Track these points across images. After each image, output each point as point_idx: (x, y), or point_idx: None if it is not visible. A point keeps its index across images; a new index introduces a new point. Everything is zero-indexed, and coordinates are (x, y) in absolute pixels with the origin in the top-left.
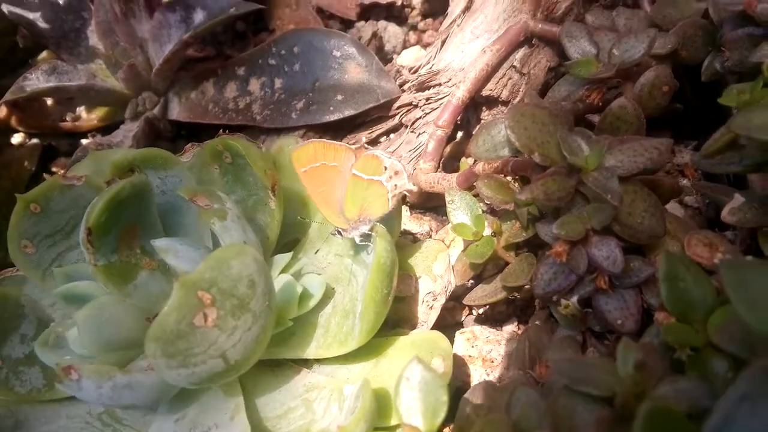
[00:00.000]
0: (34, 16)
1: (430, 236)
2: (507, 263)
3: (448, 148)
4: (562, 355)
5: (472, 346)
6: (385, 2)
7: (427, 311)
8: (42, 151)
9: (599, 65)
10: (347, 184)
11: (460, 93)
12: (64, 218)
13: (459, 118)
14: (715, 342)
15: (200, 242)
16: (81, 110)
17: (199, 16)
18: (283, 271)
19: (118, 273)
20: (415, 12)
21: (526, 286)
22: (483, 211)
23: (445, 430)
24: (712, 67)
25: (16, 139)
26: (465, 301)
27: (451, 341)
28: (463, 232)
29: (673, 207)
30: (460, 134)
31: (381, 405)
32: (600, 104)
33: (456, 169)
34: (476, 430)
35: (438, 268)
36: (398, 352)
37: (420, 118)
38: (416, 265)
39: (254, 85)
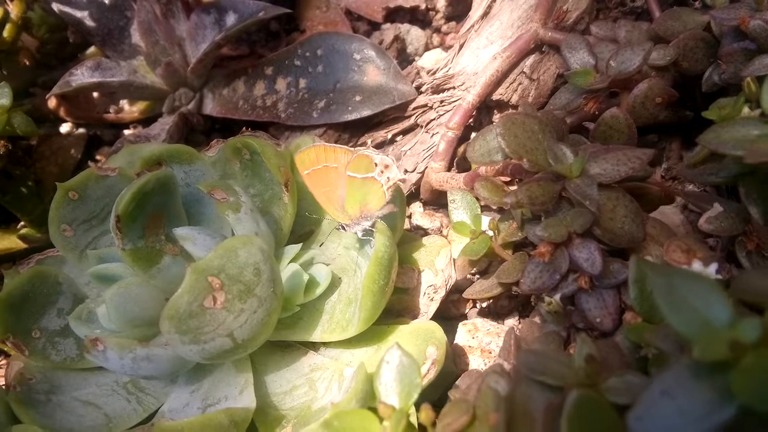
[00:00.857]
0: (81, 14)
1: (441, 232)
2: (504, 260)
3: (461, 149)
4: (539, 348)
5: (473, 338)
6: (409, 6)
7: (428, 303)
8: (87, 140)
9: (596, 76)
10: (346, 184)
11: (470, 97)
12: (99, 205)
13: (471, 120)
14: (650, 340)
15: (220, 231)
16: (124, 103)
17: (231, 19)
18: (294, 260)
19: (143, 257)
20: (439, 15)
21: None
22: (489, 210)
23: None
24: (712, 78)
25: (64, 128)
26: (465, 295)
27: (454, 332)
28: (462, 231)
29: (672, 211)
30: (473, 135)
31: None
32: (596, 113)
33: (469, 169)
34: (444, 411)
35: (440, 263)
36: (398, 339)
37: (434, 119)
38: (420, 259)
39: (281, 84)
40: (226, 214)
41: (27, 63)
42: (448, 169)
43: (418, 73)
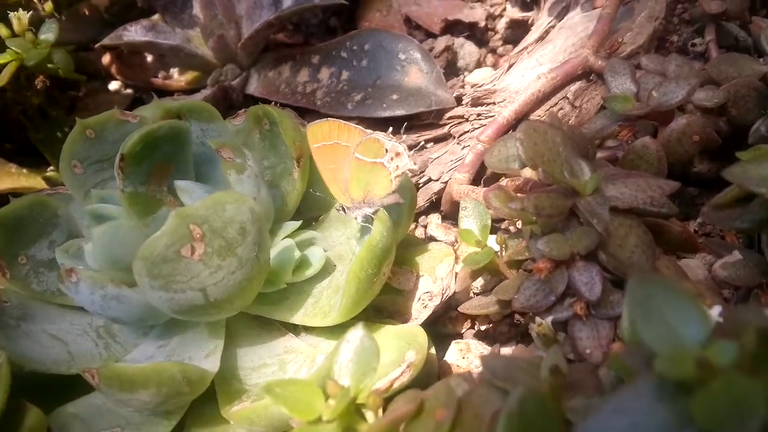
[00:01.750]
0: None
1: (453, 245)
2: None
3: None
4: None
5: (463, 357)
6: (468, 21)
7: (421, 309)
8: (132, 101)
9: (636, 103)
10: (351, 166)
11: (506, 112)
12: (114, 149)
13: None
14: (620, 357)
15: None
16: (174, 71)
17: (287, 2)
18: (291, 237)
19: (141, 203)
20: (497, 36)
21: None
22: (499, 229)
23: None
24: (759, 131)
25: (113, 86)
26: (461, 309)
27: (445, 349)
28: (468, 239)
29: (696, 265)
30: None
31: None
32: (629, 142)
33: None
34: (394, 400)
35: (441, 271)
36: (381, 338)
37: (468, 131)
38: (421, 264)
39: (324, 73)
40: (228, 173)
41: (86, 13)
42: (472, 182)
43: (462, 85)
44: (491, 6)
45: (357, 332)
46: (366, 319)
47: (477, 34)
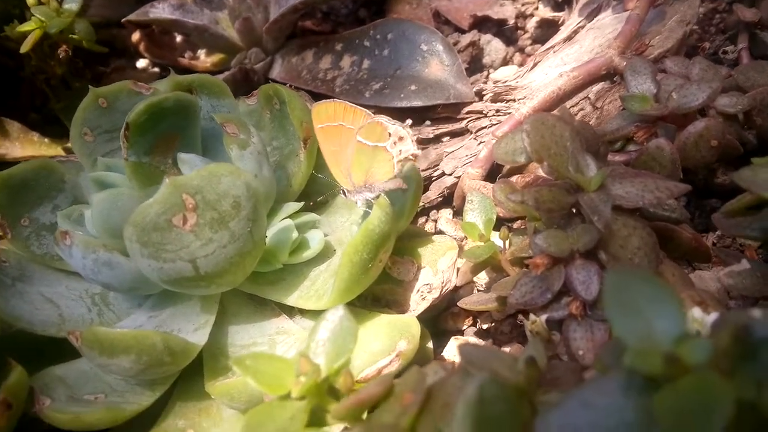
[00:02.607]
0: None
1: (461, 241)
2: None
3: None
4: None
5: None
6: (496, 18)
7: (419, 300)
8: (157, 80)
9: (654, 104)
10: (354, 149)
11: (524, 109)
12: (125, 120)
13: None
14: (599, 354)
15: None
16: (202, 53)
17: None
18: (291, 218)
19: (144, 173)
20: (526, 35)
21: None
22: (504, 227)
23: None
24: None
25: (141, 64)
26: (460, 304)
27: (444, 345)
28: (471, 232)
29: (710, 277)
30: None
31: None
32: (644, 144)
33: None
34: (365, 383)
35: (443, 264)
36: (373, 327)
37: (486, 127)
38: (423, 255)
39: (346, 61)
40: (231, 148)
41: None
42: (486, 179)
43: (485, 81)
44: (522, 5)
45: (337, 312)
46: (363, 307)
47: (506, 32)
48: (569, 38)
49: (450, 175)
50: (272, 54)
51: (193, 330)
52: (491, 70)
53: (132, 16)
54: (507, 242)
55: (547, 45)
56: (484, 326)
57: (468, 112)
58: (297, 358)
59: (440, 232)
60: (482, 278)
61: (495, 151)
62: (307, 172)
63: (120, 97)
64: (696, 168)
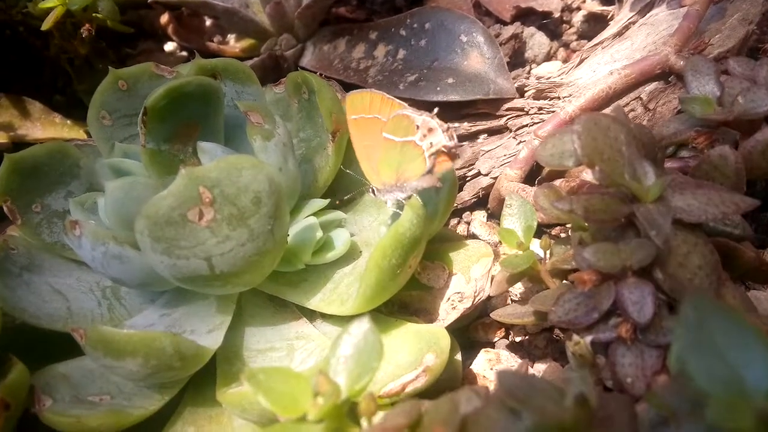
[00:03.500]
0: None
1: (497, 246)
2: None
3: None
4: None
5: (491, 368)
6: (540, 10)
7: (449, 310)
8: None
9: (717, 108)
10: (381, 146)
11: (570, 108)
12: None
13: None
14: (660, 394)
15: None
16: (231, 38)
17: None
18: (315, 215)
19: (162, 161)
20: (571, 30)
21: None
22: (545, 234)
23: None
24: None
25: (168, 47)
26: (493, 315)
27: (474, 357)
28: (508, 240)
29: (766, 297)
30: None
31: None
32: (705, 151)
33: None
34: (392, 409)
35: (476, 271)
36: (399, 337)
37: (527, 125)
38: (456, 261)
39: (380, 51)
40: (254, 138)
41: None
42: (524, 181)
43: (527, 76)
44: None
45: (362, 325)
46: (390, 313)
47: (550, 25)
48: (619, 34)
49: (486, 175)
50: (303, 41)
51: (207, 332)
52: (534, 66)
53: None
54: (548, 252)
55: (595, 40)
56: (517, 339)
57: (508, 109)
58: (314, 373)
59: (473, 236)
60: (518, 288)
61: (539, 152)
62: (334, 167)
63: (141, 80)
64: (757, 179)
